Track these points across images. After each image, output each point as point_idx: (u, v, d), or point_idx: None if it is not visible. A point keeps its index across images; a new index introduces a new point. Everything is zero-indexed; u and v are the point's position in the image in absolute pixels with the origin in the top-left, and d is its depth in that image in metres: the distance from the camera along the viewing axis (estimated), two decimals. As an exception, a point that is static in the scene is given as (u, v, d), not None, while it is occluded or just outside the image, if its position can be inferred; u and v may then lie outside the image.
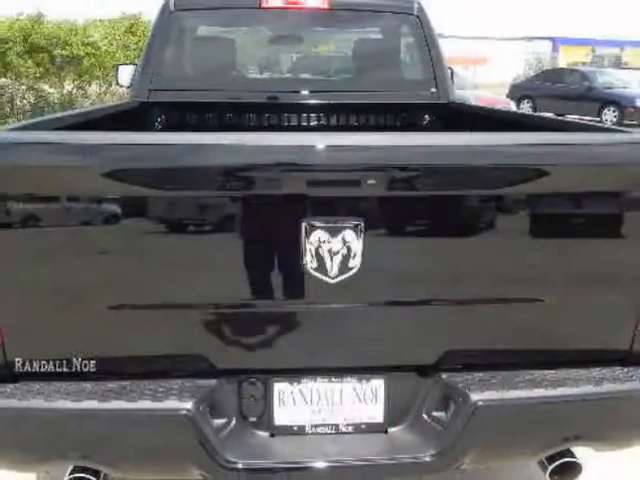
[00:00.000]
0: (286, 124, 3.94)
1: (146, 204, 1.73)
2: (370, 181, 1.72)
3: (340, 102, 3.94)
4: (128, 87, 4.14)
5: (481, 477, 2.75)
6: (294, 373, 1.89)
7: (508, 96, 18.91)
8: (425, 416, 1.90)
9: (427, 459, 1.82)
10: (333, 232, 1.71)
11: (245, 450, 1.83)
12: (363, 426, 1.91)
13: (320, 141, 1.73)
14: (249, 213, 1.76)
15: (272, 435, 1.89)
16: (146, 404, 1.75)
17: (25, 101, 14.68)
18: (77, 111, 3.00)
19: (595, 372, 1.92)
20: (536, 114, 11.41)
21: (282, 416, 1.89)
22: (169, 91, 3.78)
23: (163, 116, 3.87)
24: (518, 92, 20.24)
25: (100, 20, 15.71)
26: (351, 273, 1.74)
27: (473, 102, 8.12)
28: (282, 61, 5.00)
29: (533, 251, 1.86)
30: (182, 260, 1.76)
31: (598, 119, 17.13)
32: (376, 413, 1.91)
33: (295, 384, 1.88)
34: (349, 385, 1.90)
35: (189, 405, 1.75)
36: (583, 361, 1.94)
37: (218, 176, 1.72)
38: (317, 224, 1.71)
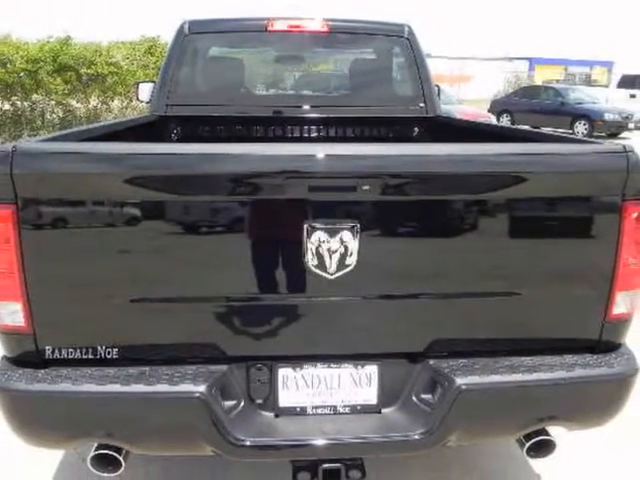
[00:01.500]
0: (290, 136, 3.93)
1: (164, 208, 1.73)
2: (365, 187, 1.72)
3: (338, 116, 3.94)
4: (147, 102, 4.14)
5: (468, 454, 2.75)
6: (297, 360, 1.88)
7: (489, 111, 18.88)
8: (414, 398, 1.90)
9: (416, 437, 1.82)
10: (332, 233, 1.71)
11: (252, 429, 1.83)
12: (359, 407, 1.91)
13: (320, 151, 1.73)
14: (256, 216, 1.76)
15: (277, 416, 1.89)
16: (164, 387, 1.75)
17: (54, 115, 14.67)
18: (102, 124, 3.00)
19: (568, 359, 1.92)
20: (514, 127, 11.40)
21: (286, 398, 1.89)
22: (184, 106, 3.78)
23: (179, 128, 3.87)
24: (498, 107, 20.18)
25: (122, 42, 15.69)
26: (348, 270, 1.74)
27: (458, 116, 8.11)
28: (286, 79, 4.99)
29: (511, 250, 1.86)
30: (196, 258, 1.77)
31: (570, 131, 17.11)
32: (370, 396, 1.91)
33: (298, 370, 1.88)
34: (346, 371, 1.90)
35: (202, 388, 1.75)
36: (557, 349, 1.94)
37: (228, 182, 1.72)
38: (317, 225, 1.71)
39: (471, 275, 1.85)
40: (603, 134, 17.11)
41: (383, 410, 1.92)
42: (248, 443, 1.79)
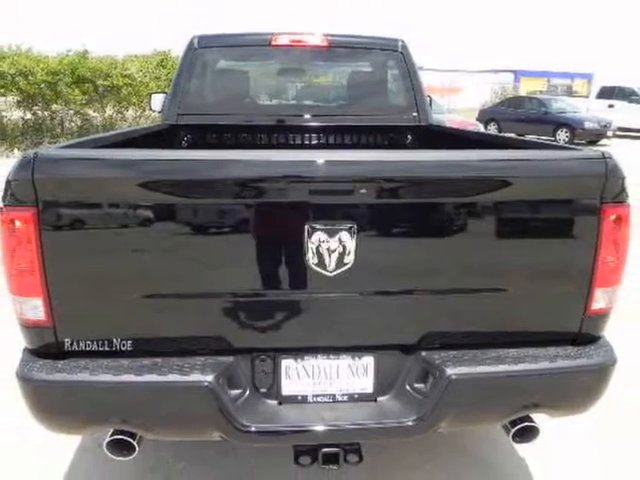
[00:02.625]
0: (292, 143, 3.93)
1: (174, 210, 1.73)
2: (362, 190, 1.72)
3: (337, 124, 3.94)
4: (159, 112, 4.14)
5: (458, 438, 2.75)
6: (298, 351, 1.88)
7: (477, 119, 18.84)
8: (408, 387, 1.90)
9: (410, 424, 1.82)
10: (331, 233, 1.71)
11: (257, 416, 1.83)
12: (356, 396, 1.91)
13: (320, 157, 1.73)
14: (260, 217, 1.75)
15: (280, 403, 1.89)
16: (174, 377, 1.75)
17: (73, 124, 14.70)
18: (117, 132, 3.00)
19: (550, 350, 1.91)
20: (500, 134, 11.40)
21: (288, 387, 1.89)
22: (194, 115, 3.78)
23: (189, 136, 3.86)
24: (485, 116, 20.15)
25: (136, 55, 15.71)
26: (346, 268, 1.74)
27: (448, 125, 8.10)
28: (288, 90, 4.97)
29: (498, 249, 1.86)
30: (204, 256, 1.76)
31: (553, 139, 17.10)
32: (367, 385, 1.91)
33: (299, 360, 1.88)
34: (344, 361, 1.90)
35: (210, 378, 1.75)
36: (540, 341, 1.94)
37: (235, 186, 1.72)
38: (317, 226, 1.71)
39: (461, 273, 1.84)
40: (583, 141, 17.10)
41: (379, 398, 1.91)
42: (253, 429, 1.79)
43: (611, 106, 20.82)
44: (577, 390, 1.95)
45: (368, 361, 1.90)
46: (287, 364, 1.88)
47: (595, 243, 1.82)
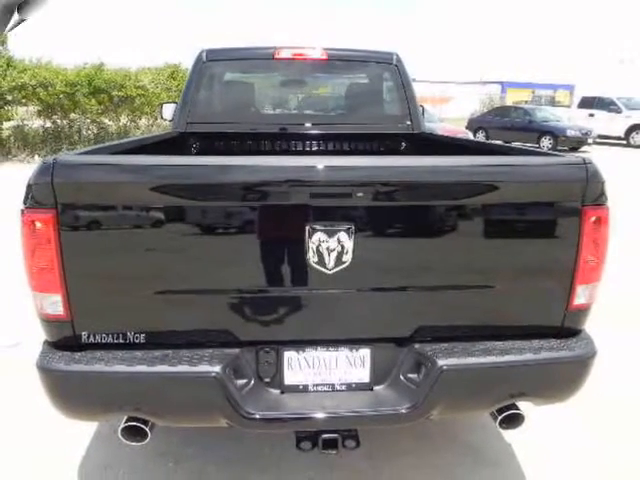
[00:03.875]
0: (293, 149, 3.93)
1: (184, 212, 1.73)
2: (359, 194, 1.72)
3: (336, 132, 3.94)
4: (170, 120, 4.14)
5: (449, 425, 2.75)
6: (300, 344, 1.88)
7: (466, 128, 18.82)
8: (402, 377, 1.89)
9: (403, 411, 1.82)
10: (330, 233, 1.71)
11: (261, 404, 1.82)
12: (353, 385, 1.91)
13: (320, 163, 1.73)
14: (264, 219, 1.75)
15: (282, 392, 1.89)
16: (184, 368, 1.75)
17: (89, 132, 14.70)
18: (130, 139, 2.99)
19: (535, 343, 1.91)
20: (488, 142, 11.39)
21: (290, 377, 1.89)
22: (202, 124, 3.78)
23: (198, 143, 3.86)
24: (474, 125, 20.15)
25: (148, 68, 15.71)
26: (344, 266, 1.74)
27: (439, 132, 8.10)
28: (290, 100, 4.97)
29: (486, 248, 1.85)
30: (212, 255, 1.76)
31: (537, 145, 17.10)
32: (363, 375, 1.91)
33: (301, 352, 1.88)
34: (343, 353, 1.90)
35: (218, 369, 1.74)
36: (525, 334, 1.93)
37: (240, 190, 1.71)
38: (318, 227, 1.71)
39: (452, 271, 1.84)
40: (566, 148, 17.10)
41: (375, 388, 1.91)
42: (258, 416, 1.79)
43: (591, 115, 20.83)
44: (560, 380, 1.95)
45: (365, 353, 1.90)
46: (289, 356, 1.88)
47: (576, 243, 1.82)
